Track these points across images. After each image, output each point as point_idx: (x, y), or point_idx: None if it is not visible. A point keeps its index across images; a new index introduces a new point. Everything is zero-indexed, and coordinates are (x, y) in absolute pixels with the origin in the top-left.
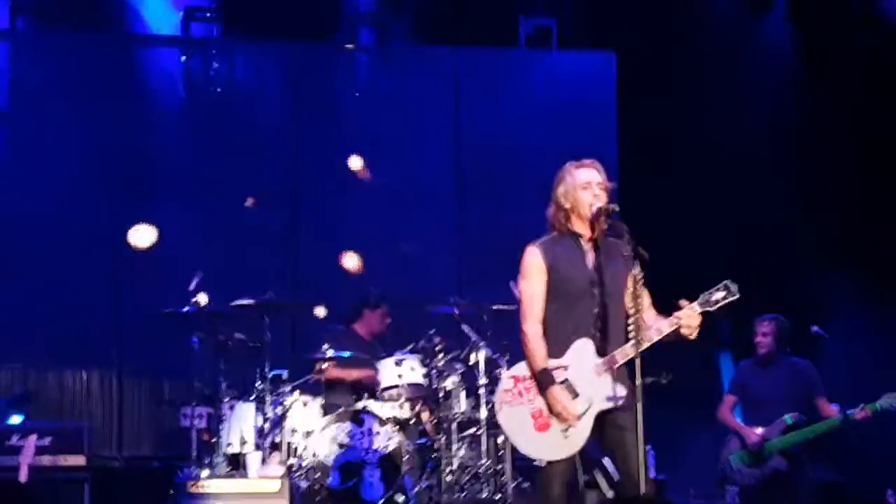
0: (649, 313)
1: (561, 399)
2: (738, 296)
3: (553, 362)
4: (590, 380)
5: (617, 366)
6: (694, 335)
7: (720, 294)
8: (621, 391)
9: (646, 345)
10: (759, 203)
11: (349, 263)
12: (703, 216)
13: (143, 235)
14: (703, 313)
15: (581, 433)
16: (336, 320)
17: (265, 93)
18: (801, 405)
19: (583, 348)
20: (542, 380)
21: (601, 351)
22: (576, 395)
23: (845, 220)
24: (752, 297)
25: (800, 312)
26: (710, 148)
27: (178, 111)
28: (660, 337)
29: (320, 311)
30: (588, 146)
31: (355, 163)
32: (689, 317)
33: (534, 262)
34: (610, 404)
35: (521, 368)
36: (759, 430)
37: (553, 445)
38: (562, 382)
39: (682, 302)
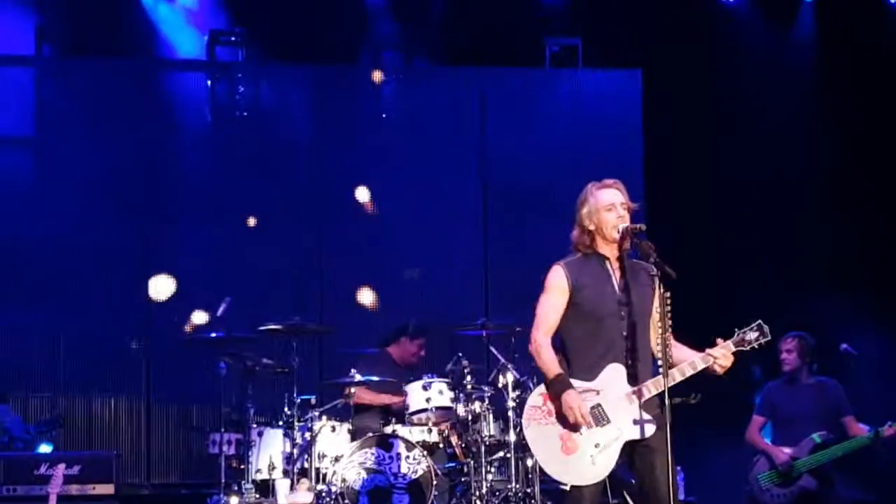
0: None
1: (574, 403)
2: (769, 338)
3: (583, 385)
4: (620, 407)
5: (647, 397)
6: (723, 372)
7: (754, 335)
8: (650, 424)
9: (678, 377)
10: (785, 220)
11: (365, 299)
12: (729, 233)
13: (162, 287)
14: (735, 352)
15: (609, 460)
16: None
17: (290, 116)
18: (829, 424)
19: (614, 374)
20: (557, 386)
21: (632, 376)
22: (607, 421)
23: (867, 237)
24: (778, 315)
25: (824, 330)
26: (734, 165)
27: (203, 134)
28: (693, 373)
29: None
30: (614, 165)
31: (362, 195)
32: (724, 356)
33: (557, 280)
34: (638, 435)
35: None
36: (788, 450)
37: (579, 470)
38: (593, 408)
39: (718, 340)
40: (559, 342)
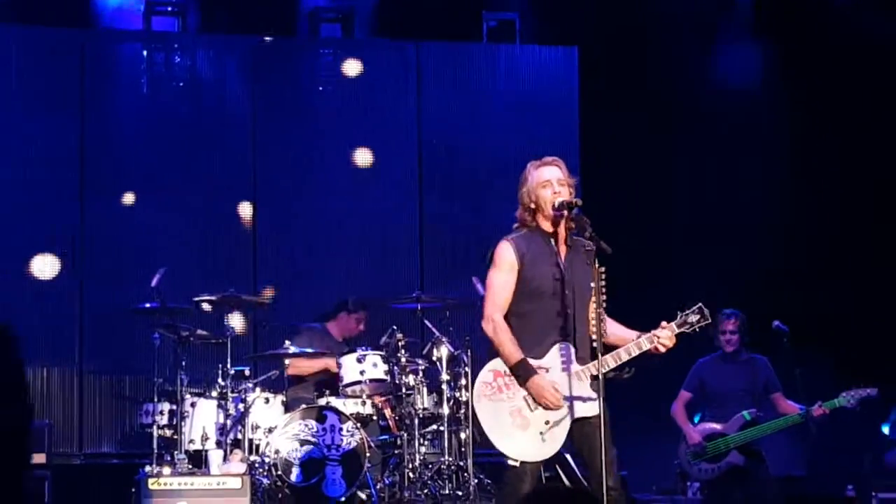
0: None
1: (547, 388)
2: (710, 321)
3: (533, 363)
4: (569, 385)
5: (597, 373)
6: (670, 344)
7: (695, 317)
8: (597, 402)
9: (625, 357)
10: (721, 196)
11: (300, 272)
12: (665, 209)
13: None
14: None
15: (558, 437)
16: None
17: (227, 87)
18: (759, 400)
19: (563, 352)
20: (522, 371)
21: (577, 354)
22: None
23: (801, 211)
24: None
25: (756, 307)
26: (670, 141)
27: (140, 106)
28: (638, 353)
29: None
30: (550, 140)
31: (245, 210)
32: (669, 339)
33: (506, 255)
34: (588, 413)
35: (500, 363)
36: (717, 427)
37: (528, 446)
38: None
39: (663, 323)
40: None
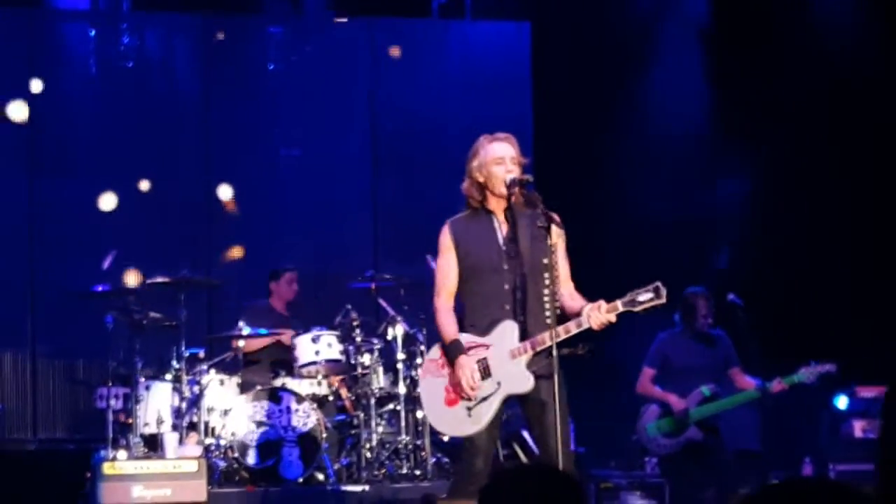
0: (567, 286)
1: (465, 371)
2: (664, 300)
3: (476, 340)
4: (505, 361)
5: (534, 351)
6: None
7: (648, 296)
8: (530, 379)
9: (563, 335)
10: (675, 172)
11: (253, 253)
12: (618, 186)
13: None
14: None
15: (485, 413)
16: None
17: (177, 66)
18: (718, 376)
19: (507, 330)
20: (451, 351)
21: (522, 330)
22: (488, 375)
23: (756, 184)
24: (673, 267)
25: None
26: (623, 117)
27: (89, 86)
28: (578, 331)
29: None
30: (503, 117)
31: (225, 193)
32: (603, 316)
33: (443, 240)
34: (518, 390)
35: None
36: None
37: (457, 421)
38: (478, 362)
39: (601, 302)
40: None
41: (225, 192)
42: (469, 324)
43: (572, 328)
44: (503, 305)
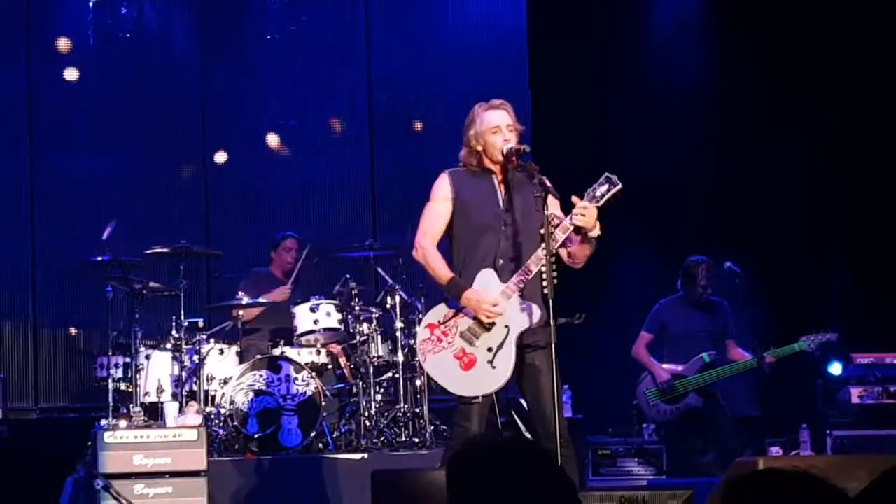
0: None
1: (477, 298)
2: (620, 185)
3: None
4: (501, 303)
5: (524, 282)
6: (597, 229)
7: (604, 188)
8: (536, 309)
9: (555, 246)
10: (673, 141)
11: (251, 222)
12: (615, 154)
13: None
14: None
15: (508, 359)
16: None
17: (174, 37)
18: (717, 344)
19: (486, 277)
20: (454, 289)
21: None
22: (492, 324)
23: (756, 157)
24: (668, 237)
25: (712, 250)
26: (623, 86)
27: (86, 58)
28: (566, 235)
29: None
30: (500, 87)
31: (273, 140)
32: (586, 209)
33: (442, 186)
34: (527, 324)
35: (433, 315)
36: (677, 368)
37: (483, 379)
38: (475, 316)
39: (574, 199)
40: (447, 256)
41: (273, 140)
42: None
43: (559, 235)
44: (496, 264)
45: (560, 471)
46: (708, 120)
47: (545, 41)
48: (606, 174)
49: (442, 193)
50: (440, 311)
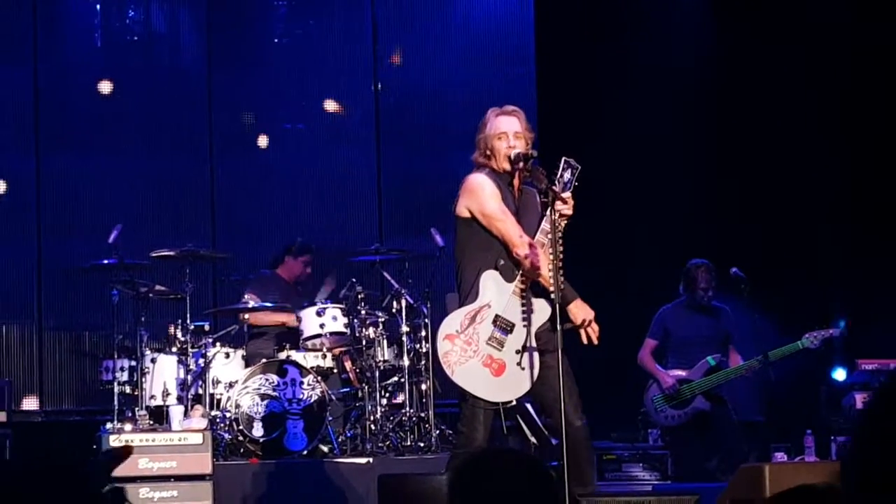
0: None
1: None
2: (579, 167)
3: (474, 307)
4: (514, 303)
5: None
6: (571, 211)
7: (567, 173)
8: (546, 305)
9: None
10: (680, 143)
11: (258, 225)
12: (624, 156)
13: None
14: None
15: (533, 359)
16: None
17: (181, 40)
18: (721, 348)
19: (490, 280)
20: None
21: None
22: (512, 324)
23: (755, 160)
24: (673, 241)
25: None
26: (631, 86)
27: (94, 60)
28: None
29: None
30: (507, 87)
31: (330, 106)
32: (569, 199)
33: (489, 185)
34: (543, 319)
35: (449, 325)
36: (682, 373)
37: (515, 382)
38: (495, 321)
39: (554, 190)
40: (458, 263)
41: (330, 105)
42: (470, 284)
43: (543, 240)
44: (506, 272)
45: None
46: (715, 120)
47: (553, 41)
48: (564, 158)
49: (493, 191)
50: (455, 320)
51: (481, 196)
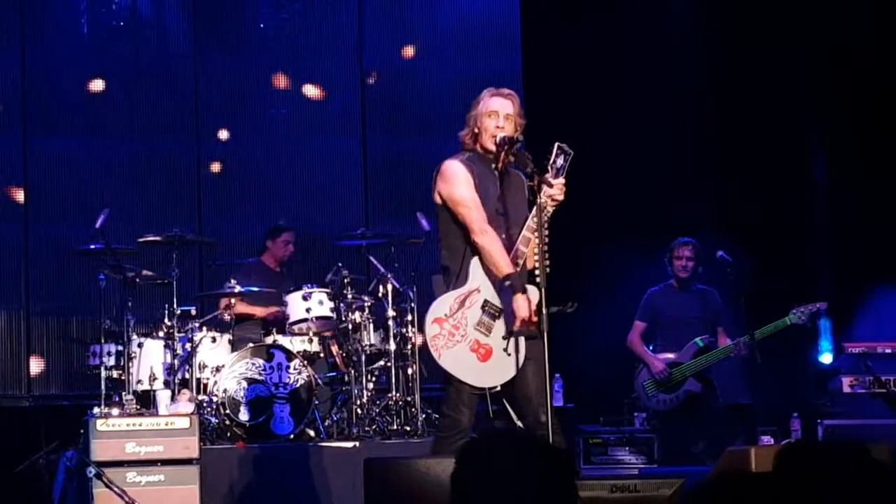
0: None
1: (529, 300)
2: (572, 152)
3: (463, 292)
4: (502, 290)
5: (520, 262)
6: (562, 197)
7: (561, 159)
8: (535, 291)
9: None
10: (668, 131)
11: (244, 210)
12: (613, 141)
13: None
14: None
15: (520, 345)
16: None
17: (168, 26)
18: (710, 330)
19: (480, 265)
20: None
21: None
22: (500, 310)
23: (748, 139)
24: (663, 224)
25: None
26: (620, 71)
27: (80, 45)
28: (547, 213)
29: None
30: (493, 73)
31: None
32: (556, 187)
33: (461, 172)
34: (533, 304)
35: (438, 308)
36: (671, 356)
37: (501, 368)
38: (483, 307)
39: (547, 178)
40: (442, 248)
41: (314, 90)
42: (453, 271)
43: (531, 231)
44: None
45: (565, 458)
46: (707, 106)
47: (538, 27)
48: (558, 144)
49: (465, 178)
50: (444, 304)
51: (453, 182)
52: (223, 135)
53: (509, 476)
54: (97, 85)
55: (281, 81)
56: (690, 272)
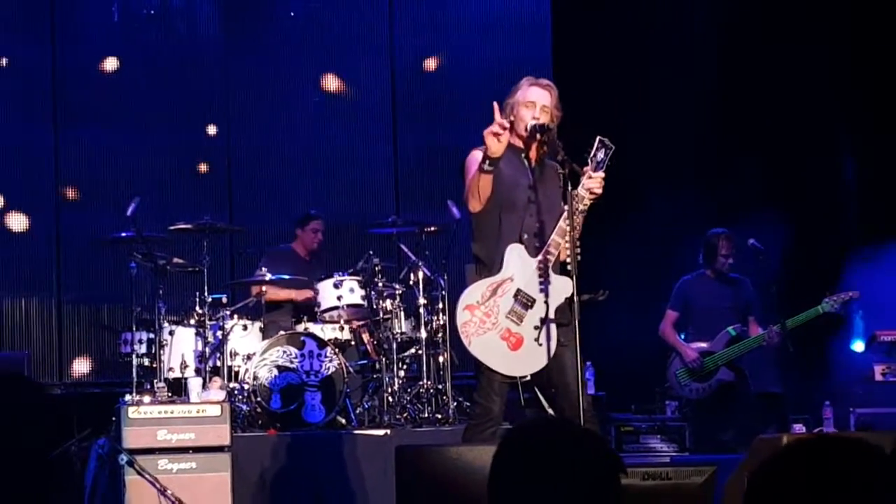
0: None
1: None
2: (614, 147)
3: (496, 280)
4: (536, 280)
5: (553, 256)
6: (601, 190)
7: (601, 153)
8: (568, 282)
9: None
10: (694, 112)
11: (274, 198)
12: (641, 131)
13: None
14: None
15: (552, 335)
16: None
17: (198, 14)
18: (742, 319)
19: (515, 254)
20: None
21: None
22: (532, 300)
23: (760, 126)
24: (692, 213)
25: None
26: (650, 61)
27: (110, 34)
28: (584, 205)
29: None
30: (523, 61)
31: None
32: (595, 180)
33: (479, 159)
34: (564, 297)
35: (470, 296)
36: (704, 345)
37: (532, 357)
38: (516, 295)
39: (587, 170)
40: (471, 235)
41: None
42: (491, 259)
43: (586, 196)
44: (526, 242)
45: (613, 453)
46: (730, 92)
47: (569, 13)
48: (600, 138)
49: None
50: (476, 291)
51: (469, 170)
52: (211, 130)
53: (555, 466)
54: (127, 73)
55: (312, 70)
56: (730, 266)
